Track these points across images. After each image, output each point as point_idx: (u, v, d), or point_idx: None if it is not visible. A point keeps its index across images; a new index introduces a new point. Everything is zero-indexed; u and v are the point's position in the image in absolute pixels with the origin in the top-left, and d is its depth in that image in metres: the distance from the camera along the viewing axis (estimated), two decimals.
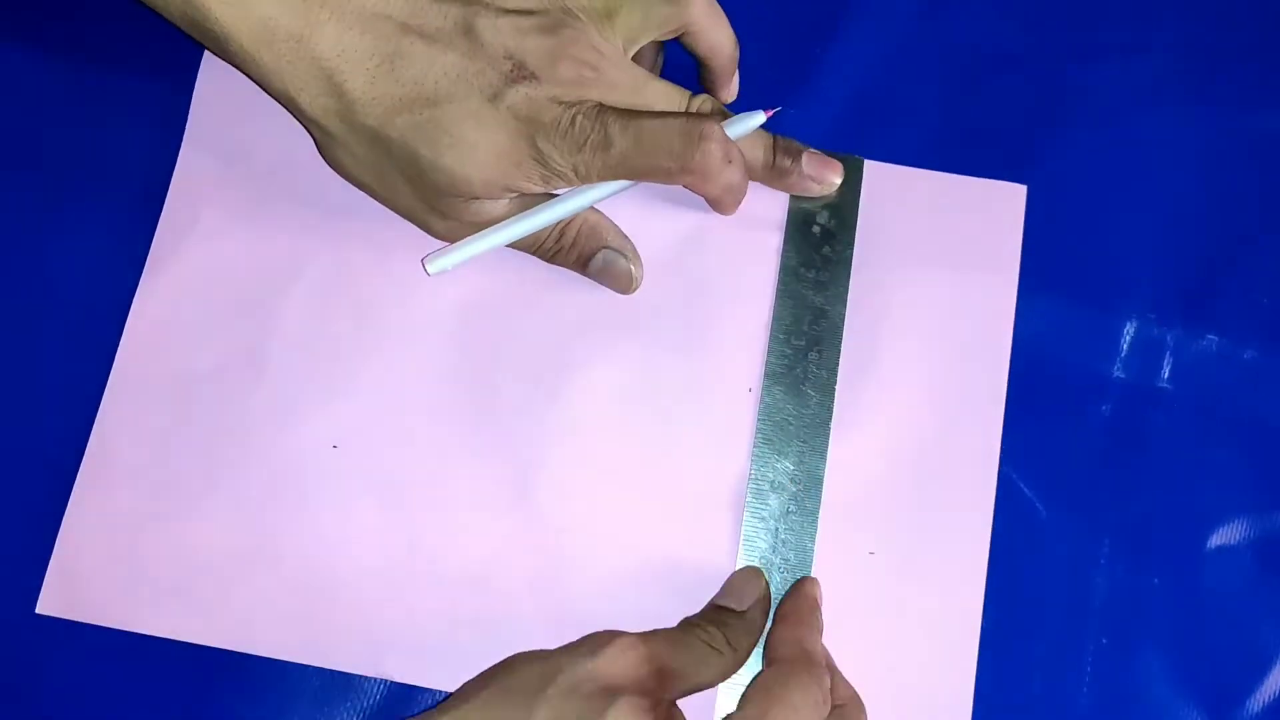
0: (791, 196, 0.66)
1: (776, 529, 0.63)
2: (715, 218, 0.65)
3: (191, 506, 0.62)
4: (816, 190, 0.62)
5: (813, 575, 0.62)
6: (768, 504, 0.63)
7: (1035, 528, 0.64)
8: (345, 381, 0.62)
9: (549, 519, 0.60)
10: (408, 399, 0.62)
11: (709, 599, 0.58)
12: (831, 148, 0.66)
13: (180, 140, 0.66)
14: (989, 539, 0.63)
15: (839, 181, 0.64)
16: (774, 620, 0.60)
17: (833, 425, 0.64)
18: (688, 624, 0.58)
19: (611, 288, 0.61)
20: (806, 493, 0.64)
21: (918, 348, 0.64)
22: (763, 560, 0.62)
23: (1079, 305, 0.65)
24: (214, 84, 0.67)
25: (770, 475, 0.63)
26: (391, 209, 0.60)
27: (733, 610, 0.59)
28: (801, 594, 0.61)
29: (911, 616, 0.62)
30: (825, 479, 0.64)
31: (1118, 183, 0.66)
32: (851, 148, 0.65)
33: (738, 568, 0.62)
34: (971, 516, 0.62)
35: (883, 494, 0.62)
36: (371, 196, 0.61)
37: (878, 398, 0.63)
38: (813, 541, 0.63)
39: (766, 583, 0.62)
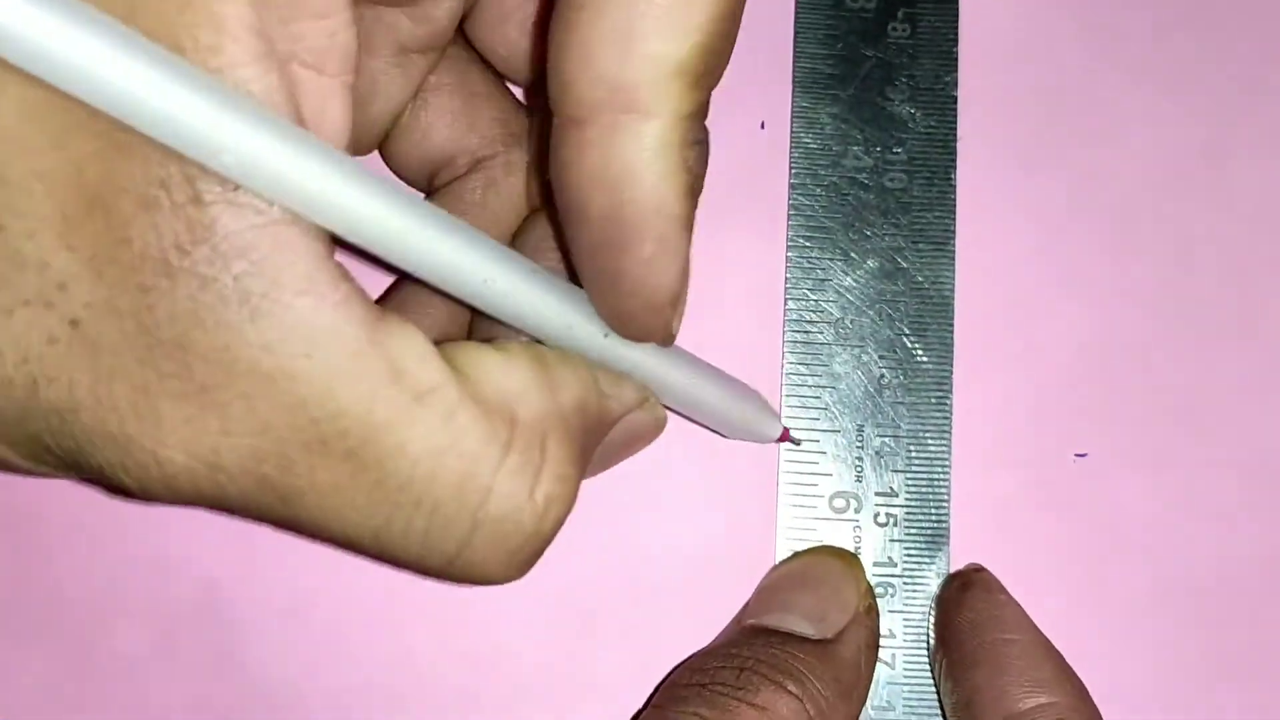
0: None
1: (861, 433, 0.28)
2: None
3: None
4: None
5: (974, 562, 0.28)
6: (836, 387, 0.27)
7: None
8: None
9: None
10: None
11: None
12: None
13: None
14: None
15: None
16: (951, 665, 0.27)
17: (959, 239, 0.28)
18: (687, 689, 0.25)
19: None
20: (916, 356, 0.28)
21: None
22: (844, 520, 0.27)
23: None
24: None
25: (827, 333, 0.28)
26: None
27: (803, 638, 0.26)
28: (980, 592, 0.27)
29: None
30: (956, 307, 0.28)
31: None
32: None
33: (781, 541, 0.28)
34: None
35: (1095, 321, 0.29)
36: None
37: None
38: (948, 445, 0.27)
39: (869, 584, 0.28)
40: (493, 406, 0.20)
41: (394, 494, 0.19)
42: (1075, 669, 0.26)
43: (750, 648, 0.25)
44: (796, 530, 0.28)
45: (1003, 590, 0.27)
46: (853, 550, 0.28)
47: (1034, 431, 0.29)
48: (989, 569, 0.28)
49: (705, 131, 0.21)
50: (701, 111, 0.20)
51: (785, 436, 0.27)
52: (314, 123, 0.18)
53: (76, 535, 0.29)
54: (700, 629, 0.28)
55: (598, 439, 0.23)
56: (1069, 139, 0.29)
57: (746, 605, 0.27)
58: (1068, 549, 0.28)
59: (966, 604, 0.27)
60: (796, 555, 0.28)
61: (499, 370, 0.20)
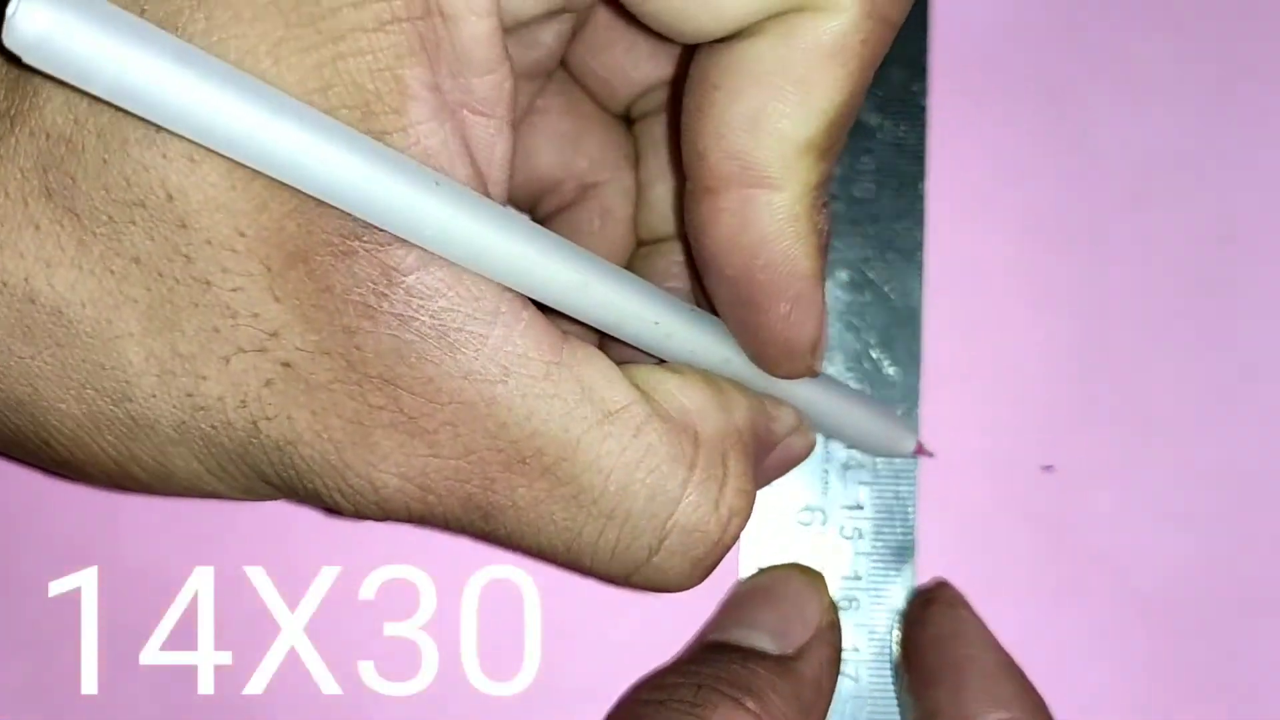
0: None
1: (827, 446, 0.28)
2: None
3: None
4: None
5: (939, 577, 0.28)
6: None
7: None
8: None
9: None
10: None
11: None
12: None
13: None
14: None
15: None
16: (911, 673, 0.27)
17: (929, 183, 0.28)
18: (646, 705, 0.25)
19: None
20: (887, 351, 0.28)
21: None
22: (810, 533, 0.27)
23: None
24: None
25: None
26: None
27: (763, 654, 0.26)
28: (944, 614, 0.27)
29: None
30: (924, 319, 0.27)
31: None
32: None
33: (746, 556, 0.28)
34: None
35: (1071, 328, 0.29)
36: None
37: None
38: (914, 458, 0.27)
39: (831, 599, 0.28)
40: (677, 424, 0.21)
41: (588, 506, 0.20)
42: (1041, 681, 0.26)
43: (710, 664, 0.25)
44: (762, 544, 0.28)
45: (965, 605, 0.27)
46: (818, 564, 0.28)
47: (1001, 444, 0.29)
48: (954, 582, 0.28)
49: (830, 193, 0.22)
50: (829, 178, 0.21)
51: (920, 450, 0.28)
52: (484, 159, 0.19)
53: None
54: (664, 645, 0.28)
55: (763, 459, 0.24)
56: (1039, 148, 0.29)
57: (710, 621, 0.27)
58: (1034, 562, 0.28)
59: (929, 620, 0.27)
60: (761, 571, 0.28)
61: (678, 390, 0.21)
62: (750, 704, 0.24)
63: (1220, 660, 0.28)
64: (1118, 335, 0.29)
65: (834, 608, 0.27)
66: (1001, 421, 0.29)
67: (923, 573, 0.28)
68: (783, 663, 0.25)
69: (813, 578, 0.27)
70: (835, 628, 0.27)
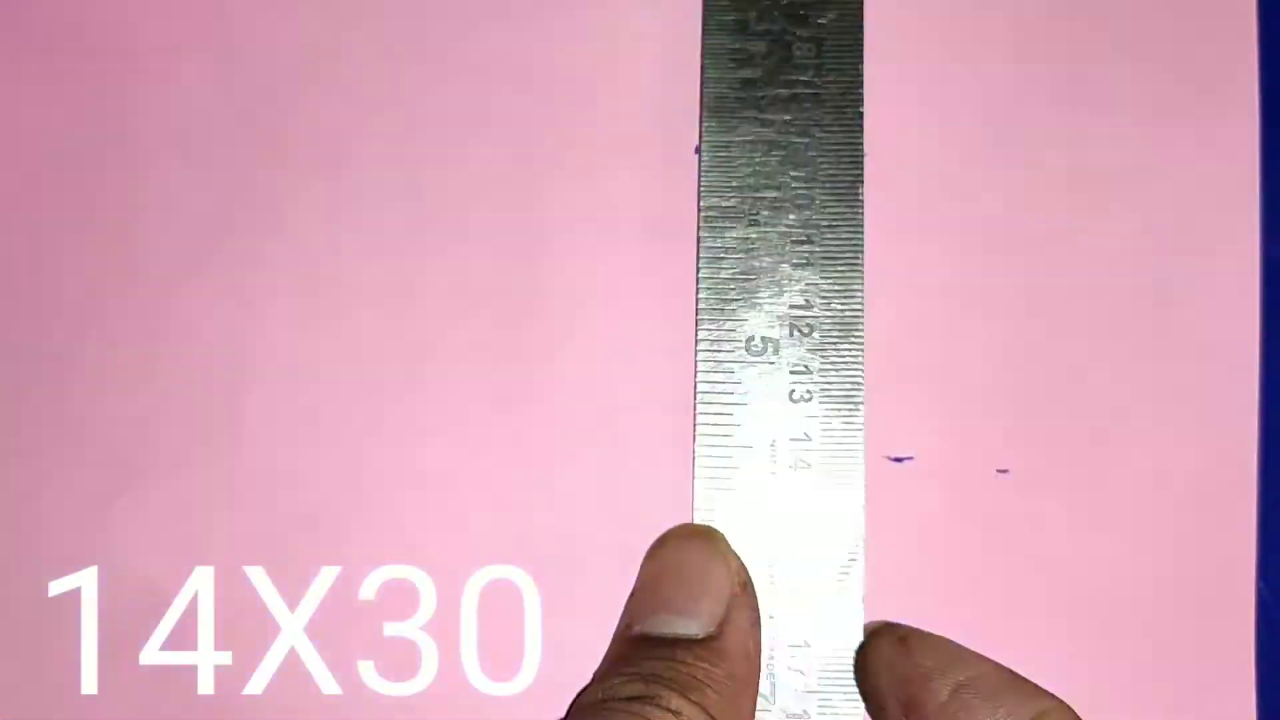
0: None
1: (773, 448, 0.28)
2: None
3: None
4: None
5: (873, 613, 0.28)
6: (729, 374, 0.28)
7: None
8: None
9: None
10: None
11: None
12: None
13: None
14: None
15: None
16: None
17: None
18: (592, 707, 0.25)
19: None
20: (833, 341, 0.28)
21: None
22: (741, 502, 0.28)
23: None
24: None
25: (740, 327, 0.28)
26: None
27: (689, 641, 0.26)
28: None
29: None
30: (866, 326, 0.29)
31: None
32: None
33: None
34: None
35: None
36: None
37: None
38: (859, 456, 0.28)
39: (736, 558, 0.27)
40: None
41: None
42: None
43: (636, 664, 0.25)
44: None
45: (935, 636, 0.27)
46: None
47: (950, 449, 0.29)
48: (903, 587, 0.28)
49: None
50: None
51: None
52: None
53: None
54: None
55: None
56: (979, 158, 0.30)
57: (625, 609, 0.27)
58: (983, 567, 0.28)
59: (915, 655, 0.26)
60: (658, 544, 0.28)
61: None
62: (691, 697, 0.24)
63: (1170, 664, 0.28)
64: (1061, 342, 0.29)
65: (742, 568, 0.27)
66: (950, 426, 0.29)
67: (872, 576, 0.28)
68: (708, 645, 0.25)
69: (711, 543, 0.27)
70: (747, 587, 0.27)
